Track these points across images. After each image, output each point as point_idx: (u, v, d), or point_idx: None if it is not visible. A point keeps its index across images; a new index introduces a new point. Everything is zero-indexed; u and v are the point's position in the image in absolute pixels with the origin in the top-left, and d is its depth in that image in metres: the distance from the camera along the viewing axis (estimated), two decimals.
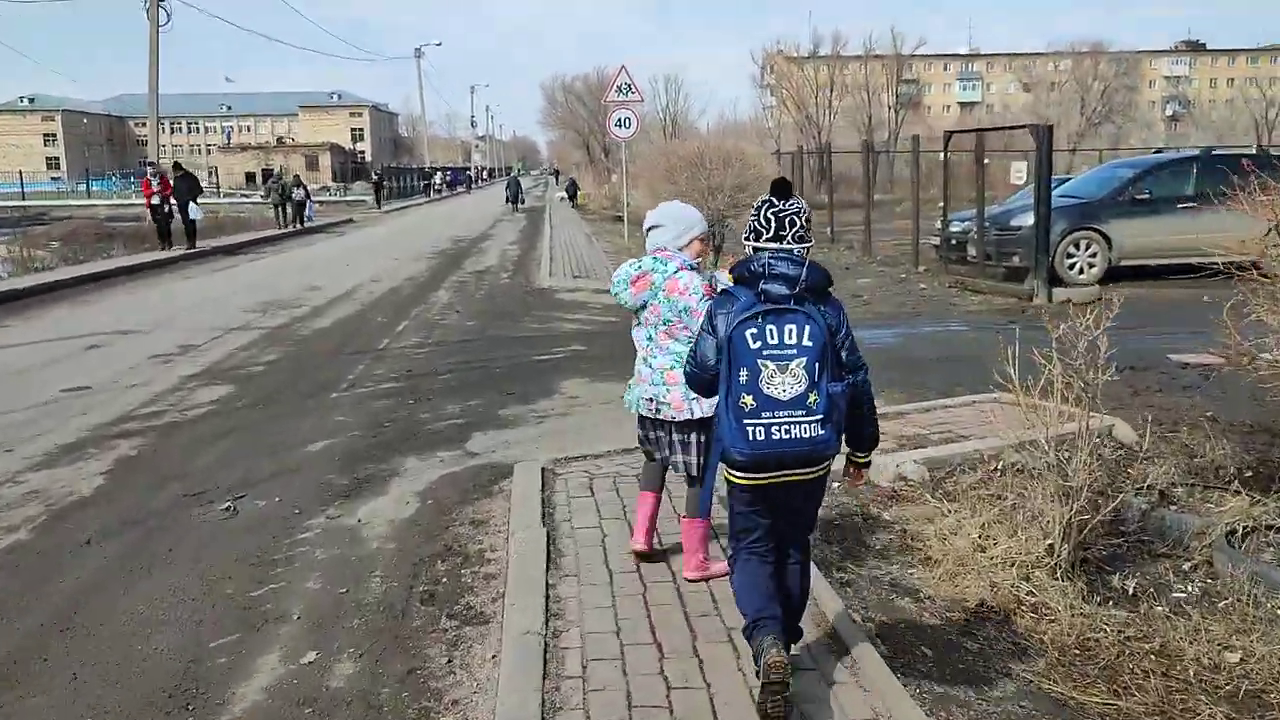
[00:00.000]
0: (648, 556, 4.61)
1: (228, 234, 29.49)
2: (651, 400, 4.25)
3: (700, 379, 3.35)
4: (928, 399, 8.31)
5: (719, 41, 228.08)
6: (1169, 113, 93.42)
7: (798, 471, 3.18)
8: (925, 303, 14.50)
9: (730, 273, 3.37)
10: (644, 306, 4.22)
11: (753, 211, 3.34)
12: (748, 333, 3.10)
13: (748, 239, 3.31)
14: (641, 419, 4.39)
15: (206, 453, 7.14)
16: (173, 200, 22.73)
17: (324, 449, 7.17)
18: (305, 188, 35.17)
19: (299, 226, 32.64)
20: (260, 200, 54.49)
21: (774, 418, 3.07)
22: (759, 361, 3.08)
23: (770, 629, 3.27)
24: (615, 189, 49.01)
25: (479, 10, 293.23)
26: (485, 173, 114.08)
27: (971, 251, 16.81)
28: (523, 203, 45.83)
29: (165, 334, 12.25)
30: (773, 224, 3.23)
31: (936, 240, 19.27)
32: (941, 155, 17.90)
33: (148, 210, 23.05)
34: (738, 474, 3.23)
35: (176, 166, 23.43)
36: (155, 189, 22.53)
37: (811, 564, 3.70)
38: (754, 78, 63.64)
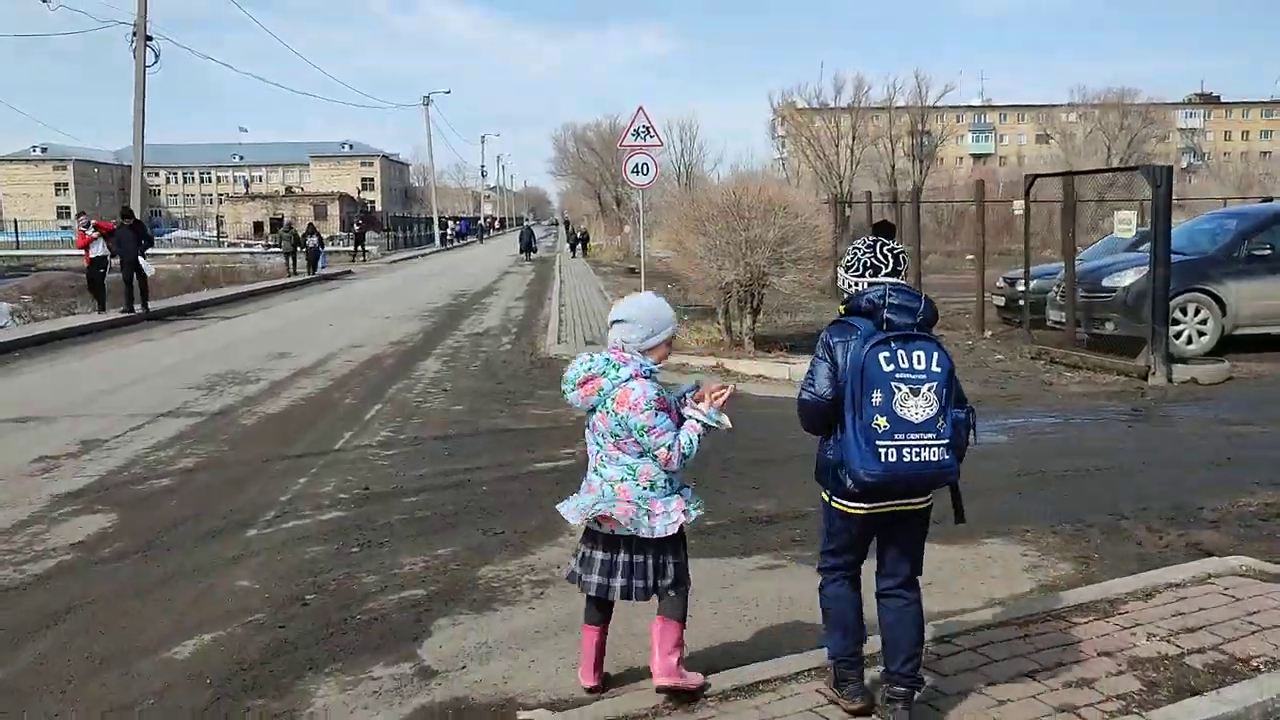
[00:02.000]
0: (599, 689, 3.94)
1: (212, 287, 27.05)
2: (609, 517, 3.66)
3: (817, 408, 3.34)
4: (1098, 549, 5.65)
5: (732, 94, 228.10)
6: (1184, 164, 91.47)
7: (913, 501, 3.33)
8: (1013, 380, 11.78)
9: (844, 304, 3.42)
10: (593, 410, 3.71)
11: (861, 249, 3.42)
12: (880, 356, 3.16)
13: (859, 274, 3.39)
14: (591, 534, 3.81)
15: None
16: (113, 255, 19.36)
17: (190, 664, 4.43)
18: (319, 236, 34.52)
19: (312, 274, 32.26)
20: (262, 250, 52.66)
21: (906, 440, 3.12)
22: (893, 384, 3.14)
23: (854, 677, 3.40)
24: (628, 240, 46.68)
25: (490, 63, 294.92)
26: (496, 222, 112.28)
27: (1053, 316, 14.13)
28: (535, 251, 44.74)
29: (73, 423, 9.59)
30: (889, 260, 3.36)
31: (1000, 300, 16.63)
32: (1020, 204, 15.24)
33: (86, 265, 19.73)
34: (853, 504, 3.32)
35: (126, 214, 20.22)
36: (92, 236, 19.12)
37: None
38: (769, 126, 61.50)
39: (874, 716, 3.45)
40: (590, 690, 3.94)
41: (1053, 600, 4.62)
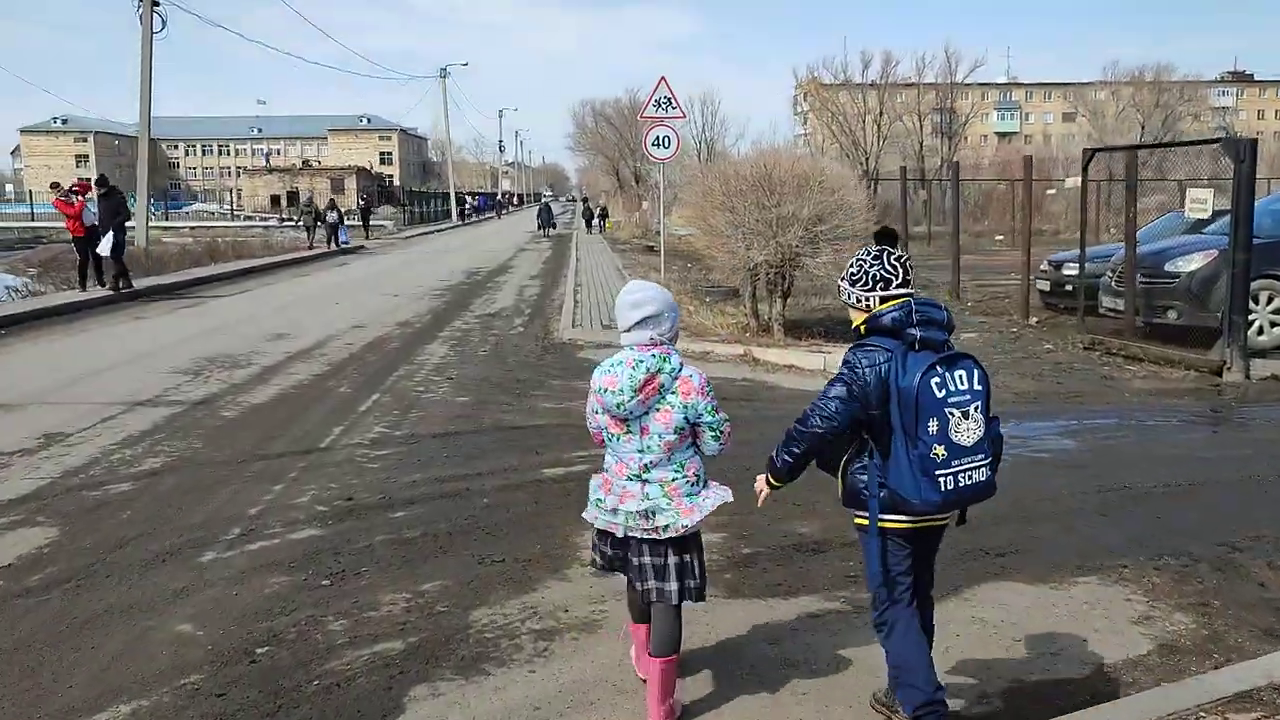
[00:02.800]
0: None
1: (220, 261, 26.17)
2: (647, 515, 3.42)
3: (828, 432, 3.20)
4: (1216, 592, 4.66)
5: (754, 71, 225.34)
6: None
7: (946, 517, 3.23)
8: (1069, 374, 10.70)
9: (862, 324, 3.22)
10: (646, 413, 3.41)
11: (865, 265, 3.22)
12: (933, 382, 3.01)
13: (868, 289, 3.19)
14: (613, 539, 3.56)
15: None
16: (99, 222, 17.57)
17: None
18: (339, 210, 34.75)
19: (332, 248, 32.19)
20: (276, 224, 51.90)
21: (960, 465, 3.02)
22: (946, 410, 3.00)
23: (943, 715, 3.18)
24: (647, 217, 45.52)
25: (509, 38, 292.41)
26: (515, 199, 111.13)
27: (1107, 302, 13.02)
28: (554, 227, 44.07)
29: (39, 412, 8.68)
30: (900, 271, 3.18)
31: (1045, 285, 15.50)
32: (1074, 181, 14.11)
33: (77, 237, 17.86)
34: (905, 520, 3.17)
35: (101, 182, 18.51)
36: (75, 206, 17.40)
37: None
38: (792, 101, 60.02)
39: None
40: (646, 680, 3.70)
41: (1199, 687, 3.59)
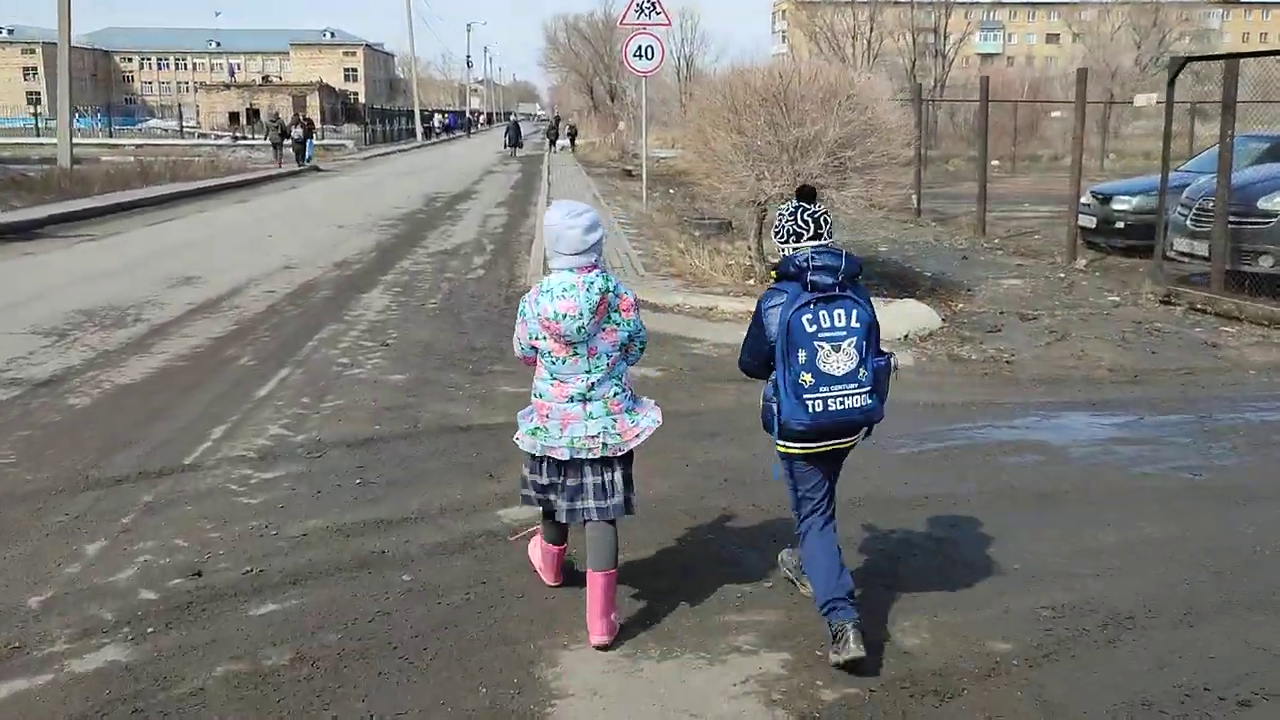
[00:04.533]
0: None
1: (154, 183, 23.38)
2: (596, 437, 3.49)
3: (754, 366, 3.56)
4: None
5: None
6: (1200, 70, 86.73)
7: (844, 440, 3.49)
8: (1161, 341, 8.52)
9: (774, 270, 3.48)
10: (594, 334, 3.46)
11: (783, 220, 3.49)
12: (804, 319, 3.30)
13: (786, 242, 3.46)
14: (550, 465, 3.57)
15: None
16: None
17: None
18: (304, 125, 33.45)
19: (300, 166, 31.20)
20: (230, 142, 48.60)
21: (830, 391, 3.30)
22: (815, 343, 3.29)
23: (849, 614, 3.38)
24: (623, 138, 42.65)
25: None
26: (484, 118, 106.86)
27: (1179, 245, 10.78)
28: (521, 146, 41.53)
29: None
30: (811, 225, 3.43)
31: (1089, 221, 13.27)
32: (1145, 98, 11.85)
33: None
34: (798, 445, 3.45)
35: None
36: None
37: None
38: (771, 19, 56.69)
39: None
40: (556, 586, 3.87)
41: None
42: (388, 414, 6.17)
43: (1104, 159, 31.74)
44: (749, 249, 11.19)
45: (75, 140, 47.33)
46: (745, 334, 3.56)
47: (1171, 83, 10.11)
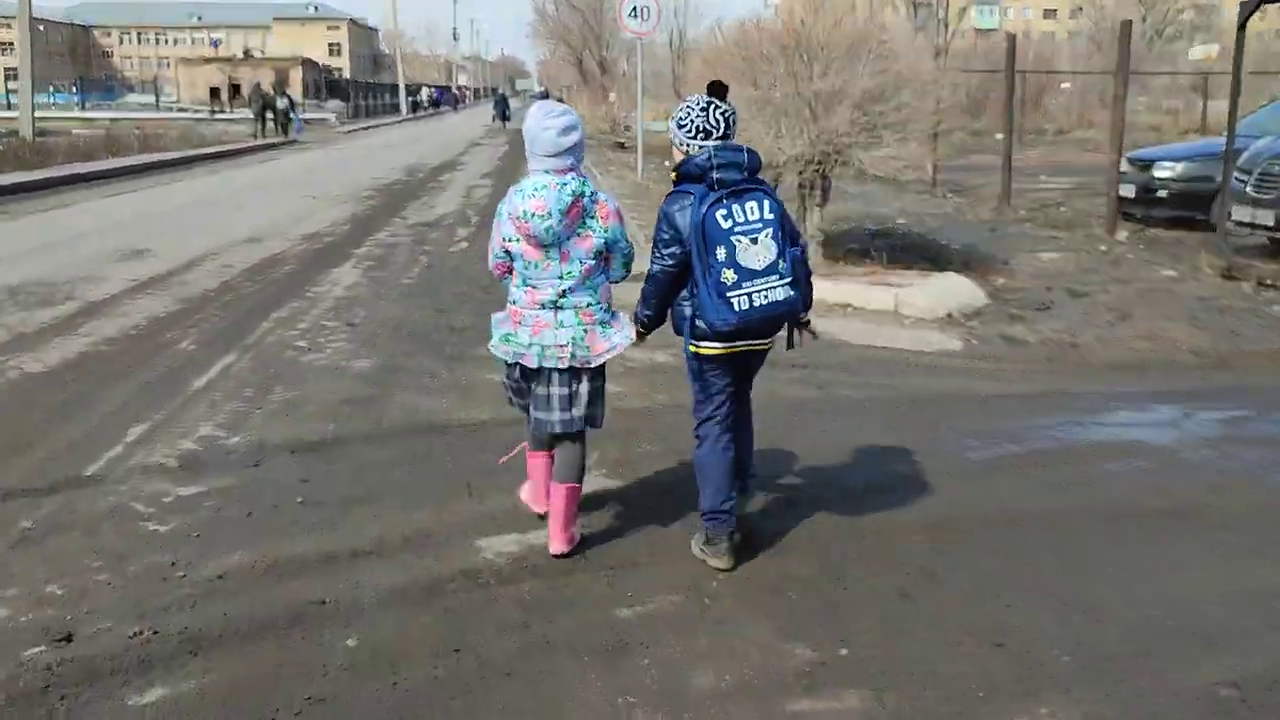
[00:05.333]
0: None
1: (124, 154, 22.12)
2: (565, 346, 3.41)
3: (667, 279, 3.39)
4: None
5: None
6: (1197, 43, 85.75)
7: (762, 342, 3.43)
8: (1238, 321, 7.47)
9: (676, 170, 3.41)
10: (566, 239, 3.36)
11: (692, 114, 3.40)
12: (718, 214, 3.23)
13: (693, 138, 3.39)
14: (524, 371, 3.50)
15: None
16: None
17: None
18: (290, 98, 33.19)
19: (284, 138, 30.58)
20: (208, 116, 47.19)
21: (754, 285, 3.23)
22: (733, 238, 3.22)
23: (728, 524, 3.48)
24: (613, 110, 41.35)
25: None
26: (471, 93, 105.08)
27: (1238, 214, 9.76)
28: (509, 119, 41.03)
29: None
30: (721, 123, 3.38)
31: (1126, 189, 12.20)
32: (1200, 50, 10.70)
33: None
34: (716, 345, 3.38)
35: None
36: None
37: None
38: None
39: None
40: (543, 516, 3.72)
41: None
42: (346, 409, 5.09)
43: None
44: None
45: (48, 115, 45.99)
46: (656, 252, 3.40)
47: (1242, 27, 9.04)
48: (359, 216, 12.94)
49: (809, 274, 3.50)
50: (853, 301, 7.65)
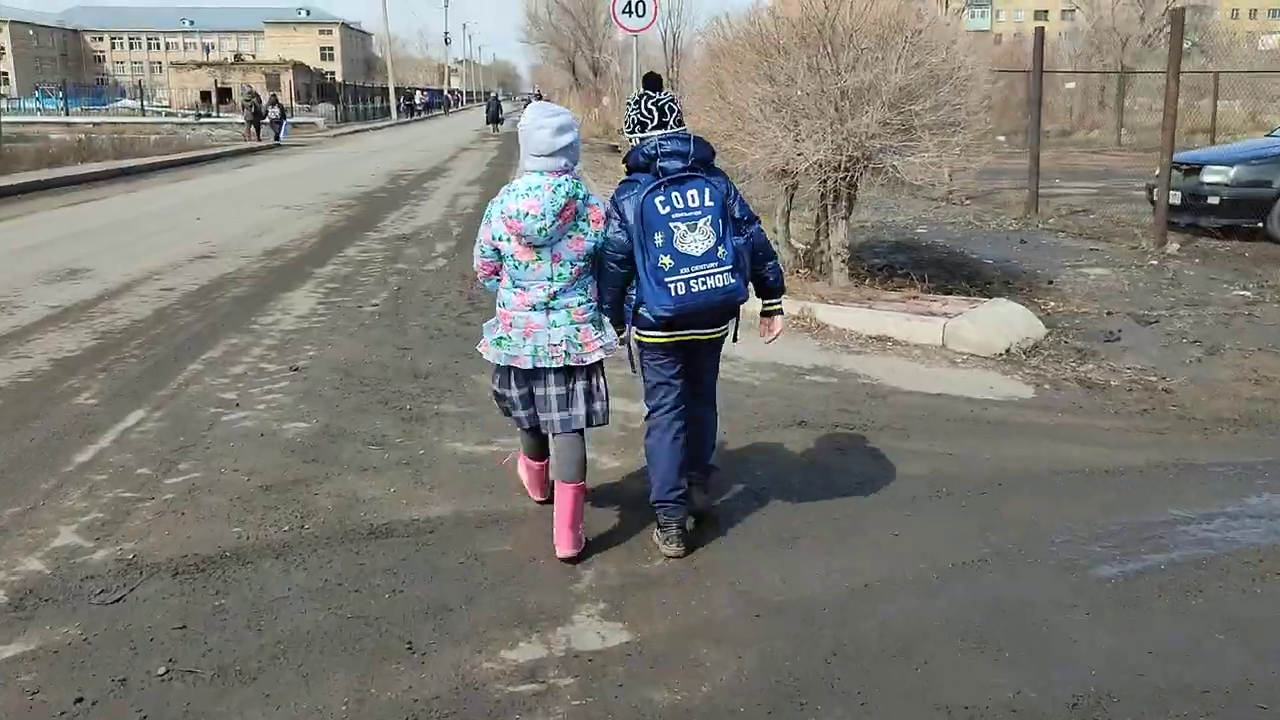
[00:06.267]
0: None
1: (97, 160, 20.83)
2: (559, 345, 3.34)
3: (616, 269, 3.32)
4: None
5: None
6: (1188, 44, 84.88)
7: (708, 331, 3.41)
8: None
9: (625, 162, 3.41)
10: (559, 239, 3.29)
11: (630, 108, 3.44)
12: (656, 200, 3.22)
13: (633, 133, 3.41)
14: (518, 374, 3.44)
15: None
16: None
17: None
18: (280, 105, 33.21)
19: (275, 141, 30.42)
20: (194, 120, 45.92)
21: (691, 272, 3.20)
22: (670, 224, 3.21)
23: (678, 512, 3.46)
24: (606, 114, 40.05)
25: None
26: (463, 97, 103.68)
27: None
28: (501, 122, 41.03)
29: None
30: (655, 113, 3.36)
31: (1174, 196, 10.98)
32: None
33: None
34: (659, 334, 3.36)
35: None
36: None
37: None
38: None
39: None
40: (542, 502, 3.75)
41: None
42: (262, 500, 3.84)
43: (1119, 134, 29.57)
44: (773, 231, 8.86)
45: (33, 120, 44.57)
46: (607, 242, 3.33)
47: None
48: (332, 228, 11.66)
49: (771, 262, 3.48)
50: (893, 334, 6.42)
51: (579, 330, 3.34)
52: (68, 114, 47.06)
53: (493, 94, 59.62)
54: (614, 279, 3.35)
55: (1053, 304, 7.79)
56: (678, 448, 3.47)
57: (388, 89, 65.22)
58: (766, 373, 5.68)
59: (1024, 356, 6.18)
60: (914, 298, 7.02)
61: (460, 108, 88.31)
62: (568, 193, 3.22)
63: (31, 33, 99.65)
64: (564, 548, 3.38)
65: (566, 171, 3.26)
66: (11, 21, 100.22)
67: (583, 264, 3.33)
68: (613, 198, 3.36)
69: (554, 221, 3.20)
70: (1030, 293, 8.18)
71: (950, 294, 7.51)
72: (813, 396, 5.24)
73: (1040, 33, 12.42)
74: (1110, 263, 9.51)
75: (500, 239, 3.30)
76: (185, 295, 7.72)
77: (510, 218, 3.22)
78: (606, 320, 3.42)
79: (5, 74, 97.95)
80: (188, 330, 6.59)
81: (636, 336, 3.41)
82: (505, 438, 4.39)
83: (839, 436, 4.64)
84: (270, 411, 4.92)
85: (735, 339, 3.51)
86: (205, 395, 5.18)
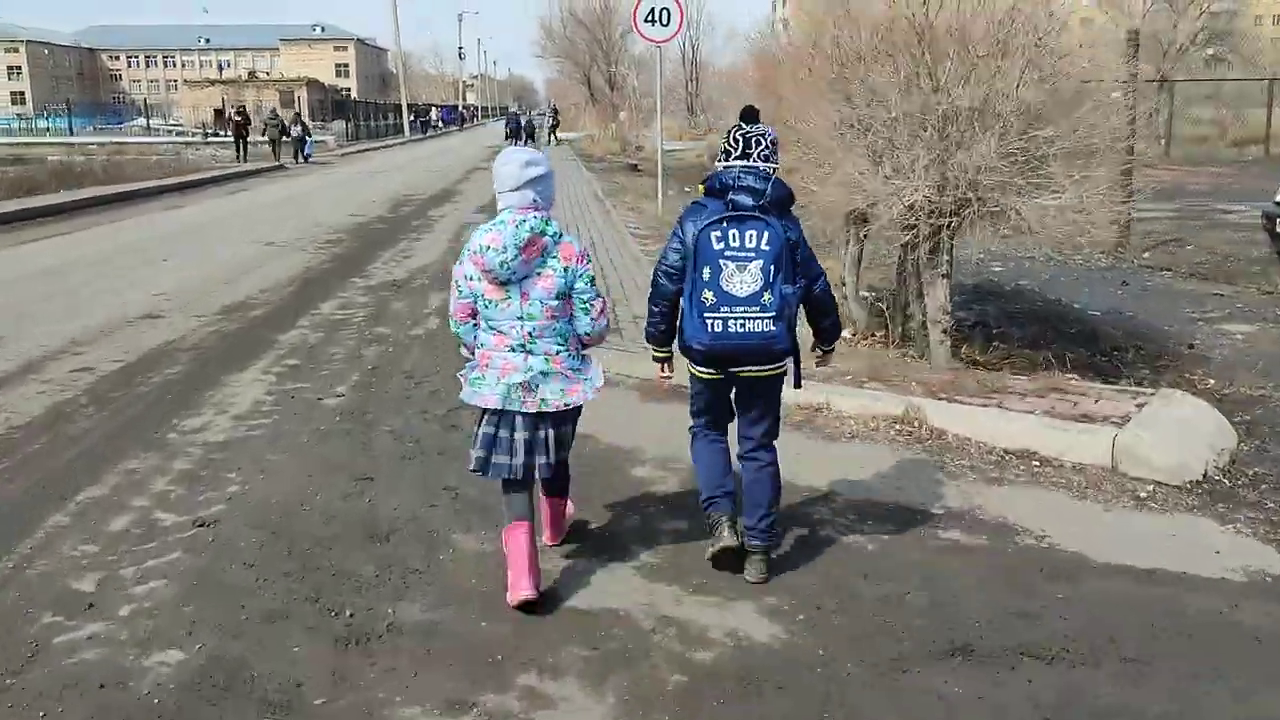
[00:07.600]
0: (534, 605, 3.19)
1: (89, 186, 19.27)
2: (530, 388, 3.23)
3: (665, 284, 3.36)
4: None
5: None
6: (1210, 51, 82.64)
7: (751, 368, 3.29)
8: None
9: (702, 184, 3.38)
10: (525, 278, 3.22)
11: (723, 137, 3.42)
12: (712, 234, 3.19)
13: (719, 160, 3.38)
14: (498, 416, 3.28)
15: None
16: None
17: None
18: (304, 124, 32.77)
19: (299, 162, 30.01)
20: (201, 139, 44.63)
21: (731, 312, 3.16)
22: (720, 261, 3.17)
23: (724, 507, 3.43)
24: (623, 129, 38.36)
25: None
26: (478, 111, 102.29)
27: None
28: (521, 139, 37.49)
29: None
30: (740, 144, 3.32)
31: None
32: None
33: None
34: (700, 369, 3.35)
35: None
36: None
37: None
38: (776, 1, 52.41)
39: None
40: (529, 601, 3.19)
41: None
42: None
43: (1168, 147, 27.62)
44: (840, 284, 7.05)
45: (32, 140, 43.27)
46: (663, 256, 3.38)
47: None
48: (311, 273, 9.92)
49: (827, 321, 3.46)
50: (1038, 449, 4.58)
51: (552, 377, 3.26)
52: (72, 134, 45.74)
53: (512, 109, 57.95)
54: (661, 292, 3.38)
55: (1212, 382, 5.97)
56: (719, 449, 3.50)
57: (395, 105, 63.78)
58: (880, 523, 3.88)
59: (1226, 482, 4.36)
60: (1053, 387, 5.18)
61: (475, 123, 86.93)
62: (532, 228, 3.16)
63: (48, 52, 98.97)
64: (546, 539, 3.54)
65: (536, 209, 3.21)
66: (28, 41, 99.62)
67: (554, 304, 3.24)
68: (681, 217, 3.34)
69: (516, 255, 3.15)
70: (1172, 363, 6.38)
71: (1090, 373, 5.70)
72: (962, 582, 3.42)
73: (1134, 36, 10.57)
74: (1248, 315, 7.69)
75: (470, 277, 3.26)
76: (101, 380, 5.98)
77: (475, 252, 3.20)
78: (589, 368, 3.35)
79: (22, 93, 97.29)
80: (79, 444, 4.84)
81: (690, 370, 3.40)
82: (493, 693, 2.61)
83: (1042, 683, 2.83)
84: (134, 623, 3.15)
85: (798, 386, 3.45)
86: (48, 583, 3.42)
